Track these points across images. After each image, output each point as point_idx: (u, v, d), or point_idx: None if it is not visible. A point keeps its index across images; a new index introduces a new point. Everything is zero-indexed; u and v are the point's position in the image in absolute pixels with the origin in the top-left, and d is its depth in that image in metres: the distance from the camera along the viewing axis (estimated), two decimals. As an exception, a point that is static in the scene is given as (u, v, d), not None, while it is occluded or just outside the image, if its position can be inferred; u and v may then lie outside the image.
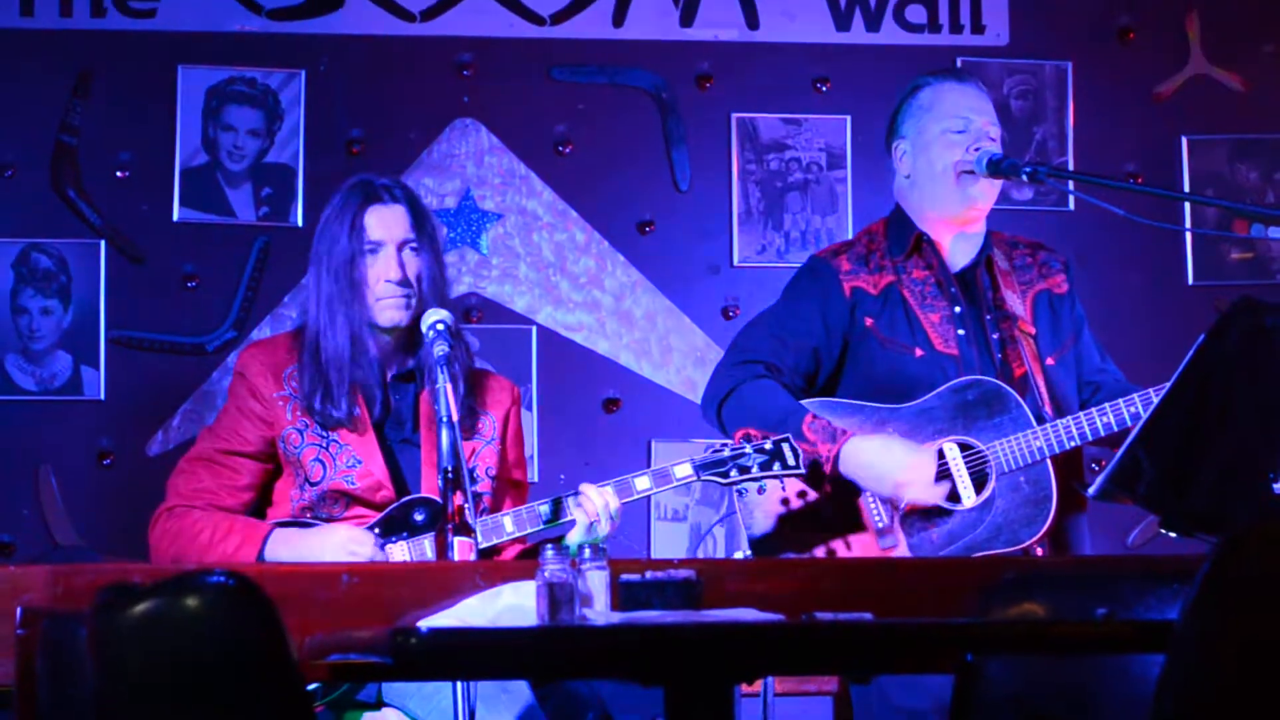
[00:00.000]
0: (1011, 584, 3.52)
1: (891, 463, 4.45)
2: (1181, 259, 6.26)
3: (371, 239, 4.45)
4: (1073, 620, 3.39)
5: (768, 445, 4.43)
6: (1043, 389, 4.54)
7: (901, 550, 4.50)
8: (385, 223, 4.46)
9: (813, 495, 4.58)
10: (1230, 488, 3.47)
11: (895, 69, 6.06)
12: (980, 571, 3.82)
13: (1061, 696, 3.41)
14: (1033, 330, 4.63)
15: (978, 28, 6.29)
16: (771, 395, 4.58)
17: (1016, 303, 4.64)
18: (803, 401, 4.59)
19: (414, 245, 4.47)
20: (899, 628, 3.17)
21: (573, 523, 4.36)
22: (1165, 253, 6.23)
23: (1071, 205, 6.19)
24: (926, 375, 4.56)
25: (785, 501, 4.60)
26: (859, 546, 4.54)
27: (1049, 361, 4.63)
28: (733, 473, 4.43)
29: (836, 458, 4.46)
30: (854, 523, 4.55)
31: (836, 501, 4.55)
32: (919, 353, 4.60)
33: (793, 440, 4.44)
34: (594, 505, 4.34)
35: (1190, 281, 6.25)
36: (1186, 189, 6.20)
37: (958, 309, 4.63)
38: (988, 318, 4.64)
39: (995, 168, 4.59)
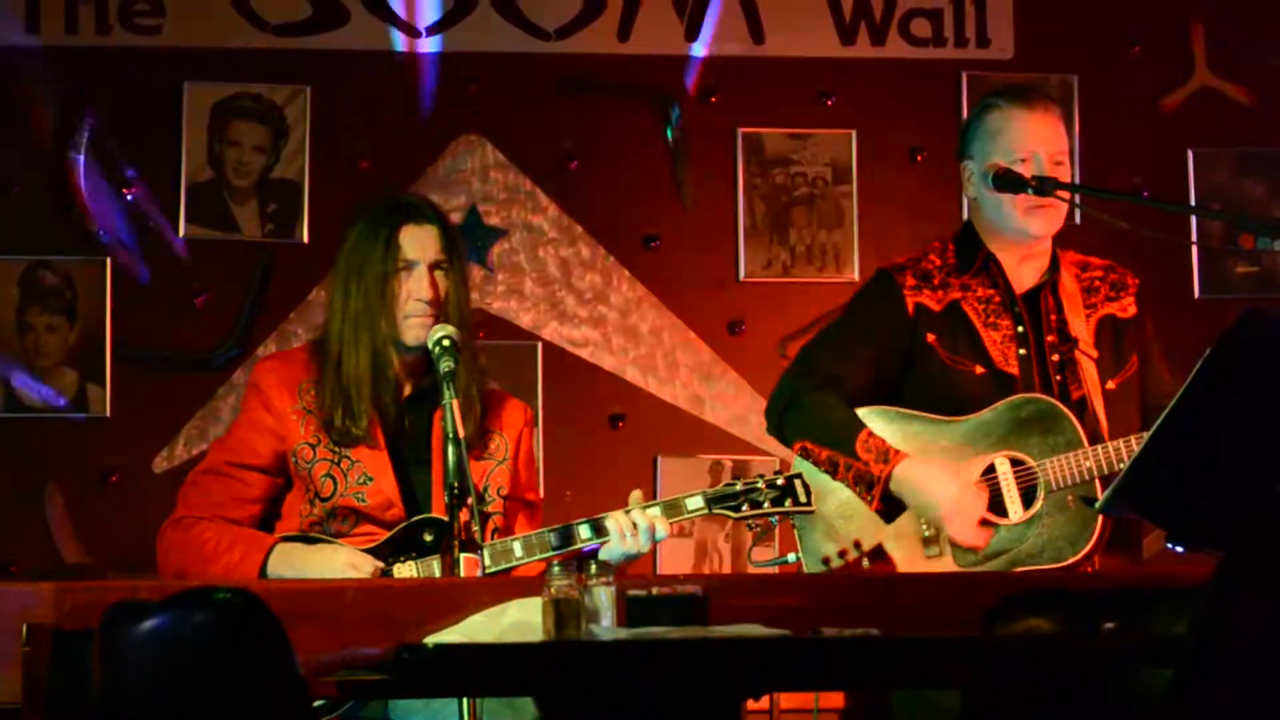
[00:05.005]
0: (1018, 599, 3.51)
1: (940, 496, 4.45)
2: (1188, 273, 6.25)
3: (405, 258, 4.45)
4: (1080, 634, 3.39)
5: (780, 481, 4.43)
6: (1101, 413, 4.54)
7: (946, 560, 4.51)
8: (419, 242, 4.47)
9: (852, 556, 4.58)
10: (1237, 502, 3.47)
11: (901, 83, 6.07)
12: (988, 586, 3.82)
13: (1068, 711, 3.41)
14: (1095, 354, 4.62)
15: (983, 41, 6.29)
16: (829, 409, 4.57)
17: (1080, 326, 4.63)
18: (862, 409, 4.58)
19: (444, 266, 4.48)
20: (905, 643, 3.17)
21: (583, 550, 4.36)
22: (1172, 266, 6.22)
23: (1077, 219, 6.17)
24: (985, 393, 4.56)
25: (826, 560, 4.60)
26: (903, 561, 4.55)
27: (1109, 385, 4.62)
28: (744, 507, 4.43)
29: (888, 479, 4.47)
30: (928, 550, 4.55)
31: (911, 531, 4.55)
32: (979, 370, 4.60)
33: (804, 478, 4.43)
34: (644, 522, 4.33)
35: (1197, 295, 6.25)
36: (1193, 202, 6.20)
37: (1020, 329, 4.62)
38: (1049, 339, 4.63)
39: (1000, 181, 4.58)
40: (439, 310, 4.45)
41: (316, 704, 3.96)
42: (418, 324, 4.44)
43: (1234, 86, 6.33)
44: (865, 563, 4.54)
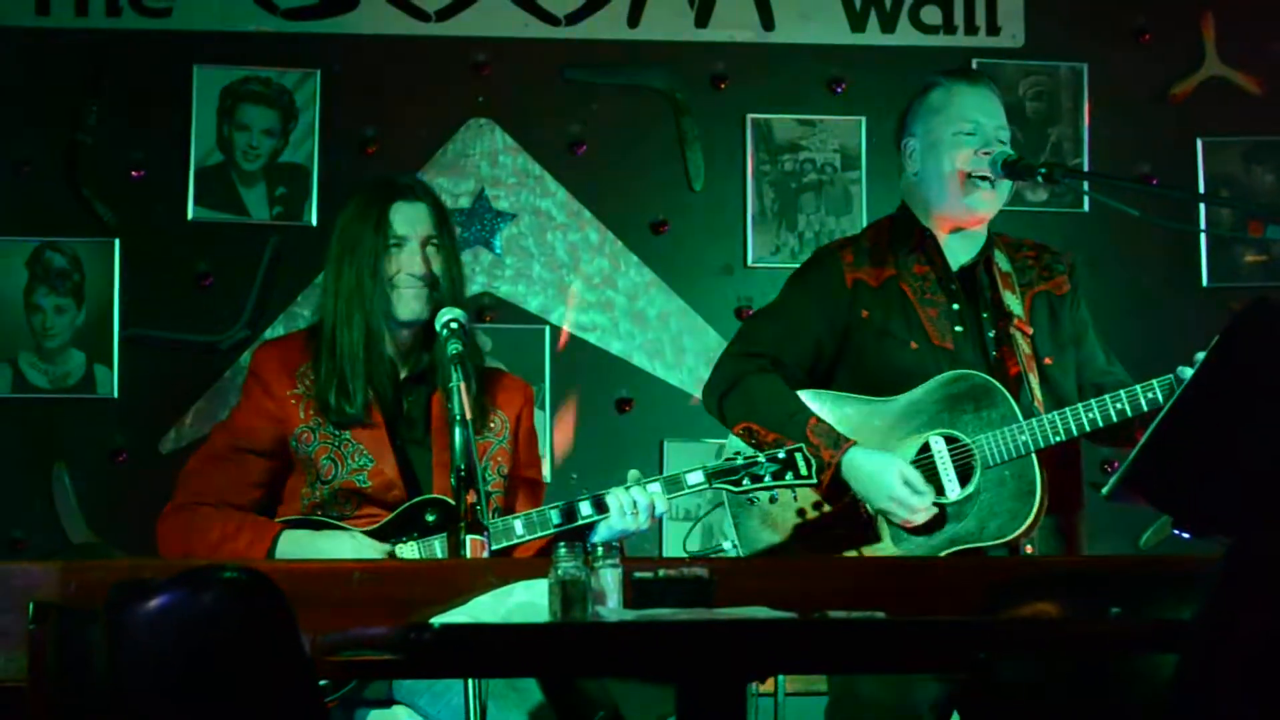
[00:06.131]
0: (1024, 583, 3.51)
1: (884, 487, 4.47)
2: (1196, 261, 6.24)
3: (396, 234, 4.48)
4: (1085, 619, 3.39)
5: (781, 454, 4.43)
6: (1036, 388, 4.55)
7: (885, 541, 4.52)
8: (410, 219, 4.50)
9: (828, 508, 4.59)
10: (1244, 489, 3.47)
11: (910, 70, 6.06)
12: (993, 570, 3.82)
13: (1073, 696, 3.41)
14: (1029, 331, 4.63)
15: (993, 29, 6.28)
16: (776, 392, 4.60)
17: (1015, 303, 4.65)
18: (798, 393, 4.61)
19: (436, 242, 4.50)
20: (911, 626, 3.16)
21: (584, 527, 4.37)
22: (1180, 254, 6.22)
23: (1086, 206, 6.19)
24: (920, 368, 4.58)
25: (801, 513, 4.60)
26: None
27: (1046, 361, 4.64)
28: (745, 481, 4.43)
29: (839, 465, 4.49)
30: (867, 535, 4.56)
31: (850, 515, 4.56)
32: (914, 346, 4.61)
33: (806, 450, 4.44)
34: (644, 499, 4.34)
35: (1205, 283, 6.24)
36: (1202, 191, 6.19)
37: (955, 306, 4.64)
38: (985, 315, 4.65)
39: (1010, 169, 4.59)
40: (432, 286, 4.47)
41: (321, 683, 3.97)
42: (410, 296, 4.46)
43: (1244, 75, 6.32)
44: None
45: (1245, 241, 6.17)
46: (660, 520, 4.50)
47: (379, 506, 4.41)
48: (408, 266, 4.46)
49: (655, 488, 4.39)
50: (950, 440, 4.51)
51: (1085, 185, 5.62)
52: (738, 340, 4.81)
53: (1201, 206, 6.17)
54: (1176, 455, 3.53)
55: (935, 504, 4.50)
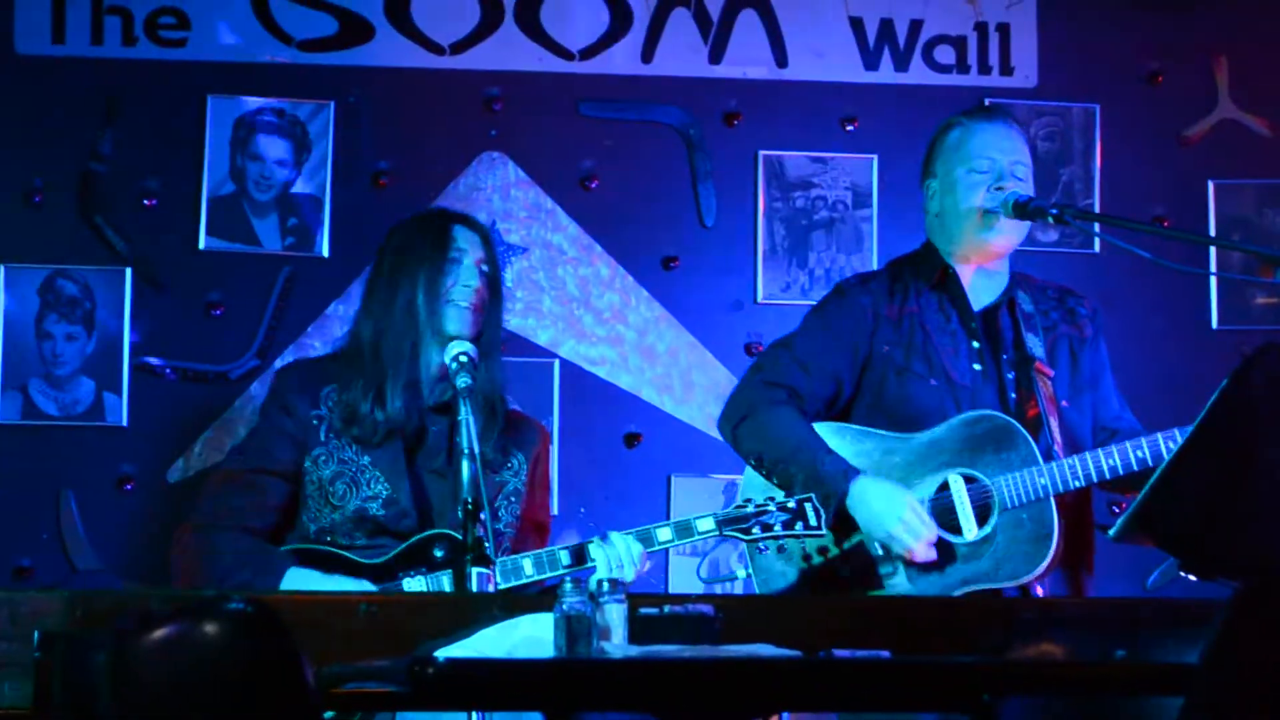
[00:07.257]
0: (1030, 624, 3.51)
1: (891, 514, 4.46)
2: (1207, 303, 6.24)
3: (459, 247, 4.52)
4: (1091, 661, 3.38)
5: (791, 504, 4.44)
6: (1056, 431, 4.55)
7: (899, 578, 4.51)
8: (469, 239, 4.56)
9: (834, 553, 4.58)
10: (1252, 531, 3.46)
11: (923, 109, 6.07)
12: (998, 611, 3.81)
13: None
14: (1050, 373, 4.63)
15: (1006, 69, 6.29)
16: (790, 425, 4.59)
17: (1036, 345, 4.65)
18: (816, 425, 4.60)
19: (486, 269, 4.55)
20: (916, 666, 3.16)
21: (593, 568, 4.37)
22: (1191, 297, 6.21)
23: (1097, 248, 6.18)
24: (938, 405, 4.58)
25: (807, 558, 4.60)
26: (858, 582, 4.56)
27: (1064, 404, 4.63)
28: (755, 529, 4.44)
29: (844, 494, 4.48)
30: (872, 581, 4.55)
31: (855, 560, 4.56)
32: (934, 383, 4.61)
33: (815, 500, 4.44)
34: (618, 552, 4.36)
35: (1215, 326, 6.23)
36: (1213, 233, 6.18)
37: (976, 344, 4.64)
38: (1005, 357, 4.65)
39: (1021, 209, 4.59)
40: (478, 308, 4.50)
41: (326, 715, 3.96)
42: (459, 313, 4.48)
43: (1256, 118, 6.32)
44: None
45: (1256, 284, 6.17)
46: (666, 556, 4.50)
47: (390, 536, 4.41)
48: (465, 279, 4.52)
49: (632, 540, 4.40)
50: (969, 480, 4.51)
51: (1096, 226, 5.62)
52: (757, 369, 4.81)
53: (1212, 249, 6.16)
54: (1184, 497, 3.53)
55: (950, 543, 4.49)
